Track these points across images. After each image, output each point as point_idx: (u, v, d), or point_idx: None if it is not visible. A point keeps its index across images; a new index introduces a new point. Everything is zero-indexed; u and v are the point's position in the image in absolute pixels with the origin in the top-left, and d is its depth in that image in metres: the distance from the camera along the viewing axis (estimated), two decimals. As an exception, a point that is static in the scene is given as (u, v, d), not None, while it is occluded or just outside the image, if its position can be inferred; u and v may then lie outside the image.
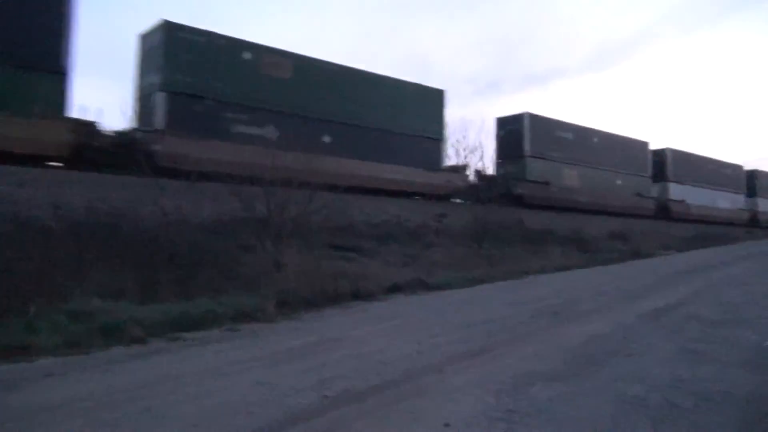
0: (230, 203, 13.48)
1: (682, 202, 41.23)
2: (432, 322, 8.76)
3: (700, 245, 30.89)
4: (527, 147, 31.40)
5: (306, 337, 7.44)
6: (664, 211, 40.02)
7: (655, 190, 40.56)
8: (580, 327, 8.38)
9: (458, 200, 27.35)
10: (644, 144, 39.98)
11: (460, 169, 28.23)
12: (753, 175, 50.84)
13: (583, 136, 34.82)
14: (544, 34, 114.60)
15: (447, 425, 4.30)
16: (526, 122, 31.59)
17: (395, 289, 11.65)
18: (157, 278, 9.33)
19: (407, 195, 25.08)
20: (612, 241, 27.24)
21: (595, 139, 35.59)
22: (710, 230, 38.79)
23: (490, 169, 30.93)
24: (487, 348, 6.97)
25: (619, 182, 36.74)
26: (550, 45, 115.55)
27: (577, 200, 32.78)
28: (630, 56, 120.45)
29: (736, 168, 48.70)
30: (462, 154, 28.15)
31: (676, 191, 41.38)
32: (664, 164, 41.32)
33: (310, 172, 12.77)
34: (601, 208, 34.14)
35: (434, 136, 26.86)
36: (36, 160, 16.46)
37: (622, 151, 37.23)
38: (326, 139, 22.19)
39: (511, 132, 31.98)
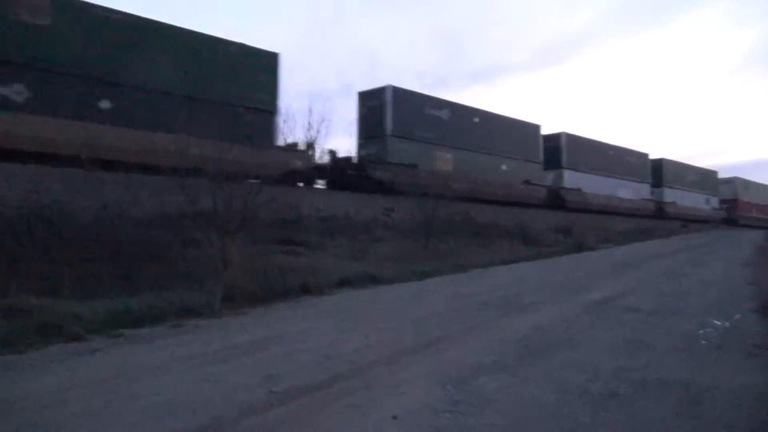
0: (174, 196, 13.18)
1: (577, 190, 36.64)
2: (380, 315, 8.79)
3: (635, 239, 32.04)
4: (389, 125, 26.31)
5: (253, 333, 7.35)
6: (557, 200, 35.46)
7: (548, 177, 36.13)
8: (525, 319, 8.56)
9: (301, 184, 22.92)
10: (536, 127, 35.38)
11: (301, 148, 23.50)
12: (659, 165, 46.73)
13: (460, 115, 29.61)
14: (491, 31, 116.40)
15: (395, 418, 4.33)
16: (389, 97, 26.46)
17: (344, 283, 11.64)
18: (99, 274, 9.05)
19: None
20: (556, 234, 27.93)
21: (476, 120, 30.65)
22: (608, 222, 37.89)
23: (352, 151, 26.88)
24: (434, 341, 7.04)
25: (504, 168, 31.88)
26: (495, 42, 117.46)
27: (450, 186, 26.02)
28: (575, 54, 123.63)
29: (641, 156, 44.42)
30: (313, 130, 24.19)
31: (571, 179, 36.82)
32: (558, 150, 36.57)
33: (83, 144, 11.03)
34: (481, 196, 29.04)
35: (263, 107, 21.72)
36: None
37: (509, 134, 32.81)
38: (105, 104, 17.44)
39: (373, 108, 27.04)
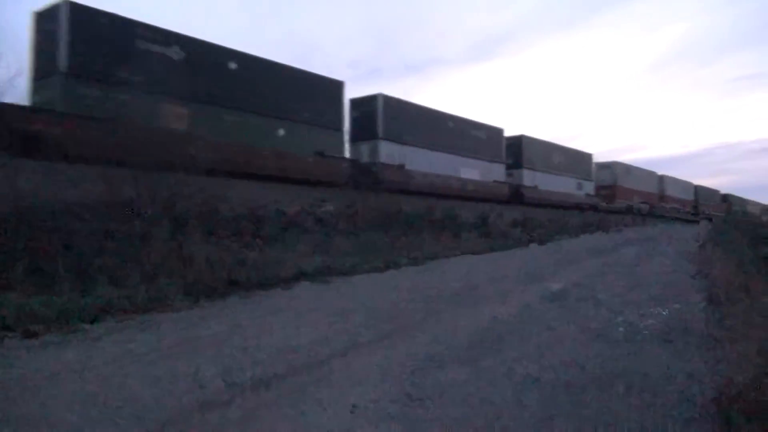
0: (129, 187, 12.85)
1: (399, 167, 29.17)
2: (338, 308, 8.78)
3: (588, 231, 32.77)
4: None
5: (209, 327, 7.26)
6: (365, 179, 28.71)
7: (362, 150, 29.45)
8: (480, 310, 8.67)
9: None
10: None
11: None
12: (518, 142, 39.99)
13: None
14: (425, 23, 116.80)
15: (351, 411, 4.35)
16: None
17: (302, 276, 11.57)
18: (51, 267, 8.78)
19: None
20: (513, 227, 28.31)
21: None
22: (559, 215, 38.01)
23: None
24: (391, 333, 7.08)
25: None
26: (429, 34, 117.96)
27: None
28: (505, 49, 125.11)
29: (494, 131, 37.25)
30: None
31: (391, 152, 29.26)
32: (371, 117, 28.81)
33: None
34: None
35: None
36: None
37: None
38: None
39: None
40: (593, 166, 51.36)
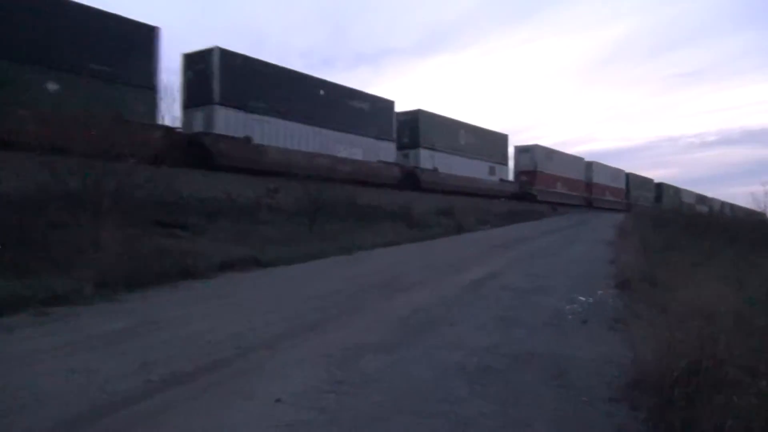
0: (37, 175, 12.16)
1: (244, 140, 23.46)
2: (264, 299, 8.67)
3: (512, 221, 33.69)
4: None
5: (127, 319, 6.98)
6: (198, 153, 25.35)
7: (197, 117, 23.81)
8: (407, 299, 8.78)
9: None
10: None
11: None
12: (415, 118, 34.37)
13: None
14: (376, 12, 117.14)
15: (278, 401, 4.31)
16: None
17: (226, 266, 11.33)
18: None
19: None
20: (438, 216, 28.70)
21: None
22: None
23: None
24: (318, 322, 7.05)
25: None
26: (381, 25, 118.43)
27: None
28: (456, 41, 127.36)
29: (381, 104, 31.66)
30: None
31: (233, 122, 23.70)
32: (205, 76, 23.49)
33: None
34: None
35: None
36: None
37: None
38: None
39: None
40: (512, 149, 47.19)
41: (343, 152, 27.95)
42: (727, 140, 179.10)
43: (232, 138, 22.41)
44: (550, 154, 48.98)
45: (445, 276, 11.37)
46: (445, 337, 6.42)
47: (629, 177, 66.37)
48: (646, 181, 72.10)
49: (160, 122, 20.02)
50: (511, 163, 46.62)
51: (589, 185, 56.18)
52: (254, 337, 6.27)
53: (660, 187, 73.66)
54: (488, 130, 42.56)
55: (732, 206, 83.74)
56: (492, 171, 42.19)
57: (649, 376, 4.35)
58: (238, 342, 6.00)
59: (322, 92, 27.43)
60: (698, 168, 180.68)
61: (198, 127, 22.27)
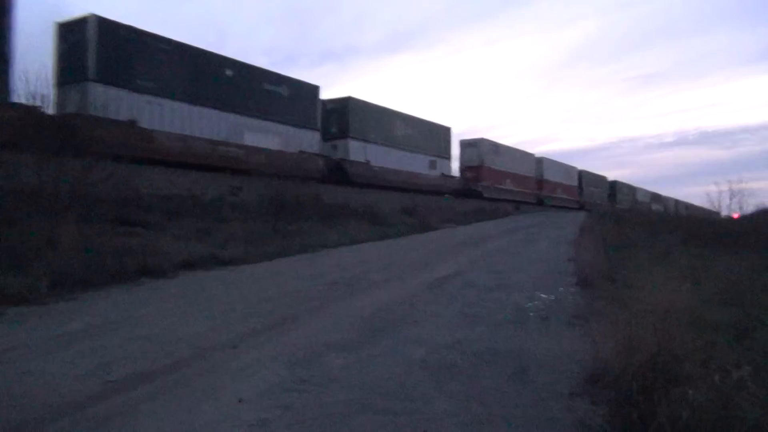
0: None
1: (127, 124, 19.87)
2: (226, 297, 8.56)
3: (476, 219, 34.00)
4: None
5: (85, 319, 6.83)
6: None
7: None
8: (371, 297, 8.78)
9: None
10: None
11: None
12: (344, 107, 31.10)
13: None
14: (342, 11, 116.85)
15: (241, 400, 4.26)
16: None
17: (188, 265, 11.17)
18: None
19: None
20: (402, 215, 28.79)
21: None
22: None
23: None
24: (282, 321, 7.00)
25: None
26: (347, 23, 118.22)
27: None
28: (419, 41, 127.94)
29: (304, 89, 27.94)
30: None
31: (107, 98, 19.46)
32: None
33: None
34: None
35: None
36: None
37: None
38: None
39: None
40: (458, 143, 44.34)
41: (255, 141, 24.23)
42: (684, 141, 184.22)
43: (113, 121, 18.60)
44: (497, 148, 46.34)
45: (409, 274, 11.41)
46: (409, 335, 6.44)
47: (582, 174, 64.46)
48: (599, 179, 70.55)
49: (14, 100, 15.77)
50: (457, 159, 44.22)
51: (539, 182, 53.71)
52: (216, 336, 6.19)
53: (614, 185, 72.48)
54: (429, 121, 39.13)
55: (687, 205, 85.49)
56: (433, 165, 38.80)
57: (608, 372, 4.44)
58: (199, 341, 5.92)
59: (229, 72, 23.85)
60: (657, 168, 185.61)
61: (72, 107, 17.84)
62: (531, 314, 7.73)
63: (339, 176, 29.49)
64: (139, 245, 11.56)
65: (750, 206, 30.67)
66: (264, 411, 4.08)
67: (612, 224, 23.45)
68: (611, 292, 8.24)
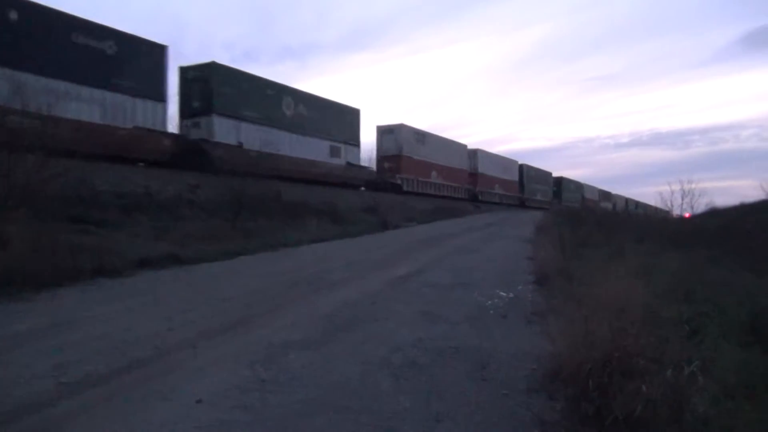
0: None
1: None
2: (185, 297, 8.42)
3: (436, 218, 34.16)
4: None
5: (36, 319, 6.62)
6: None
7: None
8: (332, 296, 8.76)
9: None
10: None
11: None
12: (206, 74, 25.09)
13: None
14: (303, 8, 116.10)
15: (199, 401, 4.20)
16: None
17: (144, 263, 10.93)
18: None
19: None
20: (365, 213, 28.72)
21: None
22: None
23: None
24: (242, 320, 6.93)
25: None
26: (308, 19, 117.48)
27: None
28: (380, 39, 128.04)
29: (140, 46, 21.74)
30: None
31: None
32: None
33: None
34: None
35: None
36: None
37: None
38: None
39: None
40: (375, 129, 39.57)
41: (61, 110, 16.08)
42: (638, 142, 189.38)
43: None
44: (421, 137, 41.14)
45: (370, 272, 11.41)
46: (370, 333, 6.45)
47: (523, 169, 60.30)
48: (543, 175, 66.51)
49: None
50: (375, 149, 39.59)
51: (473, 176, 49.45)
52: (173, 336, 6.09)
53: (559, 181, 69.06)
54: (332, 101, 32.64)
55: (637, 203, 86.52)
56: (335, 152, 32.40)
57: (565, 368, 4.53)
58: (156, 342, 5.81)
59: (14, 15, 17.74)
60: (613, 168, 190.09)
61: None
62: (491, 312, 7.83)
63: (197, 161, 23.30)
64: (94, 244, 11.28)
65: (701, 206, 31.76)
66: (223, 411, 4.04)
67: (570, 222, 23.86)
68: (569, 289, 8.39)
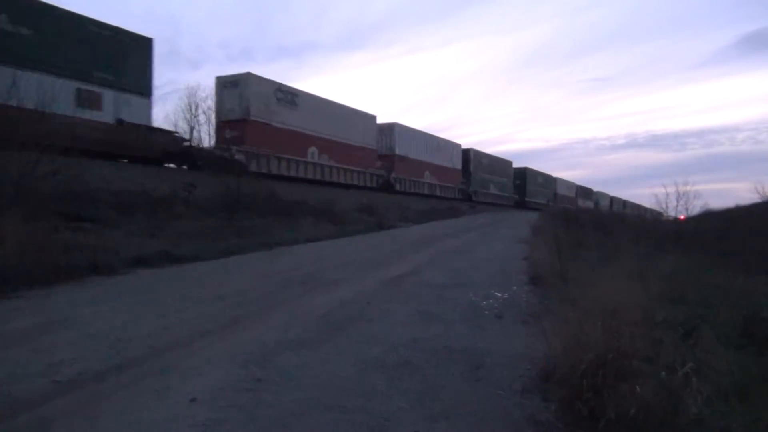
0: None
1: None
2: (180, 295, 8.40)
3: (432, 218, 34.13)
4: None
5: (30, 318, 6.60)
6: None
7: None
8: (327, 295, 8.75)
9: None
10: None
11: None
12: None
13: None
14: (300, 7, 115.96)
15: (193, 400, 4.19)
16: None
17: (139, 262, 10.90)
18: None
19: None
20: (360, 213, 28.63)
21: None
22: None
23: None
24: (237, 320, 6.91)
25: None
26: (304, 19, 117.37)
27: None
28: (377, 38, 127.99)
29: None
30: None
31: None
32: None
33: None
34: None
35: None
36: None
37: None
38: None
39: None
40: (215, 81, 27.07)
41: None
42: (634, 144, 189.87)
43: None
44: (288, 96, 28.25)
45: (365, 272, 11.41)
46: (365, 333, 6.45)
47: (470, 155, 48.95)
48: (500, 164, 55.28)
49: None
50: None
51: (389, 158, 37.63)
52: (168, 335, 6.07)
53: (523, 173, 59.45)
54: (83, 18, 20.17)
55: (625, 202, 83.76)
56: (90, 100, 19.97)
57: (559, 369, 4.53)
58: (150, 340, 5.79)
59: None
60: (609, 169, 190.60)
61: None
62: (485, 312, 7.85)
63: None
64: (88, 242, 11.25)
65: (696, 208, 31.84)
66: (217, 410, 4.03)
67: (565, 223, 23.86)
68: (563, 290, 8.40)
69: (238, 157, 24.68)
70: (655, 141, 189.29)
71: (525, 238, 19.93)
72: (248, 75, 26.44)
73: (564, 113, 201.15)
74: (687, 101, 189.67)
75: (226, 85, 26.62)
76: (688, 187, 32.52)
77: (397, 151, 38.55)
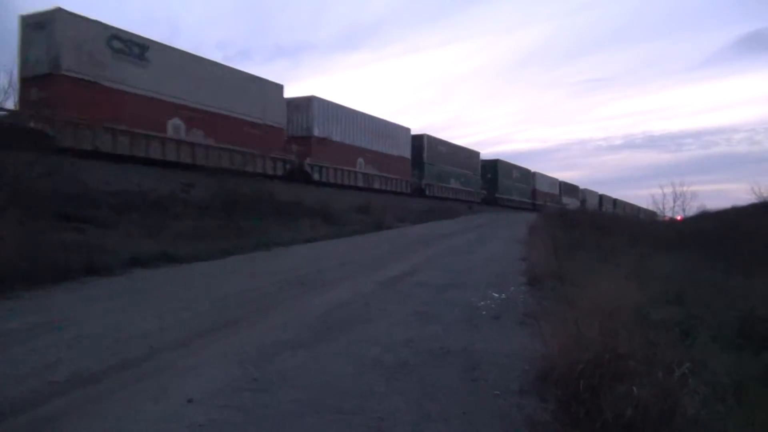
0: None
1: None
2: (177, 296, 8.39)
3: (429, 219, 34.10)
4: None
5: (26, 318, 6.57)
6: None
7: None
8: (325, 296, 8.74)
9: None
10: None
11: None
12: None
13: None
14: (297, 7, 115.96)
15: (190, 401, 4.19)
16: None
17: (136, 262, 10.87)
18: None
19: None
20: (357, 213, 28.59)
21: None
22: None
23: None
24: (234, 320, 6.91)
25: None
26: (302, 19, 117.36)
27: None
28: (374, 39, 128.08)
29: None
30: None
31: None
32: None
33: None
34: None
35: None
36: None
37: None
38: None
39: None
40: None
41: None
42: (631, 144, 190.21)
43: None
44: (137, 49, 20.87)
45: (363, 273, 11.40)
46: (363, 333, 6.45)
47: (425, 143, 41.29)
48: (463, 154, 47.49)
49: None
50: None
51: (305, 140, 29.75)
52: (165, 335, 6.07)
53: (494, 166, 52.70)
54: None
55: (615, 201, 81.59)
56: None
57: (556, 370, 4.54)
58: (148, 341, 5.79)
59: None
60: (606, 170, 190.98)
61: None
62: (483, 313, 7.85)
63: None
64: (86, 242, 11.22)
65: (692, 209, 31.84)
66: (214, 411, 4.03)
67: (563, 224, 23.88)
68: (561, 290, 8.41)
69: (49, 129, 16.66)
70: (652, 142, 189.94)
71: (523, 239, 19.94)
72: (59, 11, 18.44)
73: (561, 114, 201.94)
74: (684, 102, 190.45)
75: (34, 28, 18.65)
76: (685, 188, 32.47)
77: (316, 132, 30.09)
